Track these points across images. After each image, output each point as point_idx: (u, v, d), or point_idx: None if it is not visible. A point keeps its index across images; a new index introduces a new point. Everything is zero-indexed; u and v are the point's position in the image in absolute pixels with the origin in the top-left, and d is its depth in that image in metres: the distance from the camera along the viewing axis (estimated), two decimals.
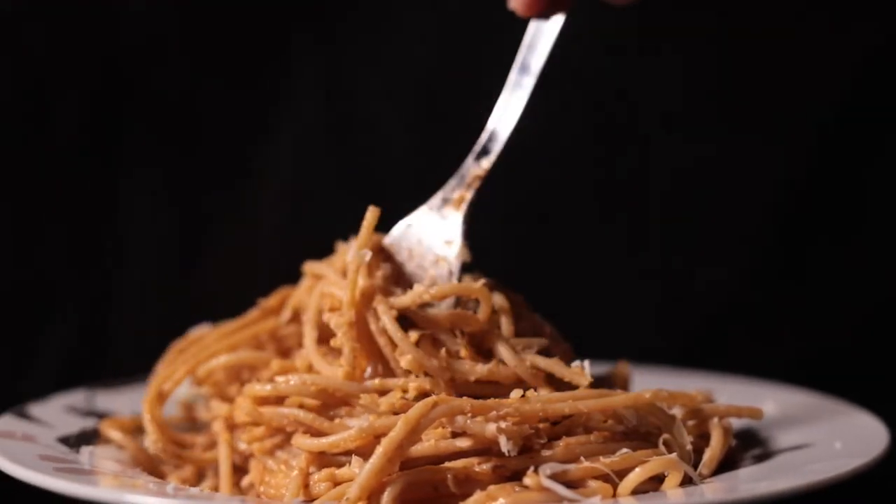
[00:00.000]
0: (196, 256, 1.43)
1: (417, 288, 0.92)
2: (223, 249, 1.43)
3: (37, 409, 1.06)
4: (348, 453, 0.88)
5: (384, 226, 0.98)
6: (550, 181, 1.45)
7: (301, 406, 0.92)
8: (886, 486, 1.05)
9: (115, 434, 1.03)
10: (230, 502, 0.86)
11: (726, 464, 0.92)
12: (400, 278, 0.97)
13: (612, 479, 0.85)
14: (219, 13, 1.40)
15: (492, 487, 0.84)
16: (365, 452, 0.86)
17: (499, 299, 0.94)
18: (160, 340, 1.11)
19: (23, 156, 1.37)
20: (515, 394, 0.87)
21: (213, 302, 1.19)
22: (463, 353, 0.91)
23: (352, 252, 0.92)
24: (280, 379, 0.93)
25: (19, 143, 1.37)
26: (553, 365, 0.91)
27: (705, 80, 1.44)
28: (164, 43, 1.39)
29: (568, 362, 0.94)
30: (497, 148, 0.97)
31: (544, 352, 0.94)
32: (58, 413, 1.06)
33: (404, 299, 0.92)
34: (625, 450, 0.87)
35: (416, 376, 0.90)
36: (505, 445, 0.84)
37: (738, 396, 1.03)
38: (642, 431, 0.89)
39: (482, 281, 0.94)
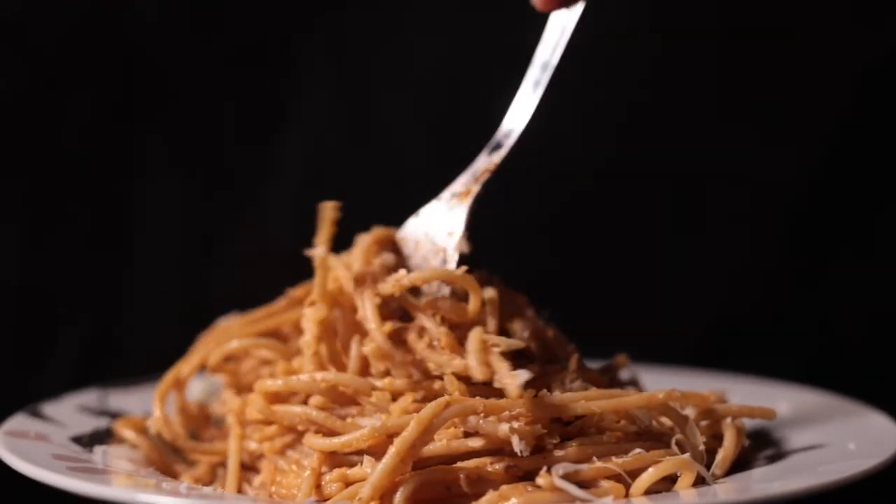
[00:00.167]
0: (209, 256, 1.43)
1: (400, 273, 0.92)
2: (236, 249, 1.43)
3: (50, 408, 1.06)
4: (360, 453, 0.88)
5: (399, 221, 1.00)
6: (560, 181, 1.45)
7: (309, 403, 0.92)
8: None
9: (128, 433, 1.03)
10: (243, 502, 0.86)
11: (739, 464, 0.92)
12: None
13: (625, 479, 0.85)
14: (231, 12, 1.40)
15: (504, 487, 0.84)
16: (377, 452, 0.86)
17: (490, 293, 0.94)
18: (172, 340, 1.11)
19: (35, 156, 1.37)
20: (528, 394, 0.87)
21: (226, 302, 1.19)
22: (443, 342, 0.90)
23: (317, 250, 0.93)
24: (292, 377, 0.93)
25: (31, 143, 1.37)
26: (497, 365, 0.87)
27: (717, 79, 1.44)
28: (176, 42, 1.39)
29: (579, 364, 0.94)
30: (508, 143, 0.97)
31: (526, 354, 0.93)
32: (71, 412, 1.06)
33: (386, 286, 0.92)
34: (637, 450, 0.86)
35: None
36: (517, 445, 0.84)
37: (750, 397, 1.03)
38: (655, 432, 0.89)
39: (462, 269, 0.93)
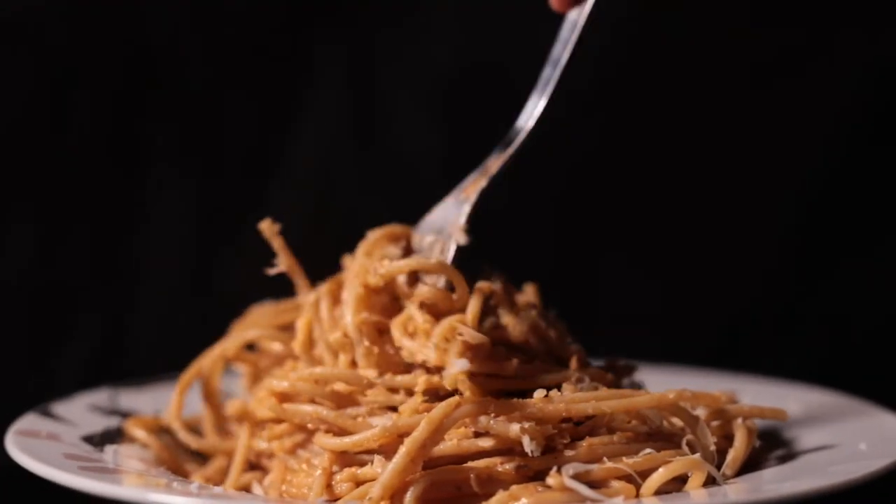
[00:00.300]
0: (219, 256, 1.43)
1: (378, 263, 0.94)
2: (246, 249, 1.43)
3: (61, 407, 1.06)
4: (371, 452, 0.88)
5: (409, 220, 1.01)
6: (571, 180, 1.44)
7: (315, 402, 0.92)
8: None
9: (138, 433, 1.03)
10: (254, 501, 0.86)
11: (750, 464, 0.92)
12: None
13: (636, 479, 0.85)
14: (242, 11, 1.40)
15: (514, 487, 0.84)
16: (387, 452, 0.86)
17: (482, 285, 0.93)
18: (182, 340, 1.11)
19: (45, 157, 1.38)
20: (538, 394, 0.87)
21: (236, 302, 1.19)
22: (420, 329, 0.91)
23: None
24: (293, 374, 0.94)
25: (41, 144, 1.37)
26: (451, 352, 0.89)
27: (727, 77, 1.44)
28: (186, 42, 1.39)
29: (581, 364, 0.94)
30: (518, 140, 0.97)
31: (522, 348, 0.93)
32: (81, 412, 1.06)
33: (368, 276, 0.93)
34: (648, 450, 0.86)
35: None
36: (528, 446, 0.84)
37: (761, 397, 1.03)
38: (666, 432, 0.89)
39: (438, 257, 0.94)
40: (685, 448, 0.88)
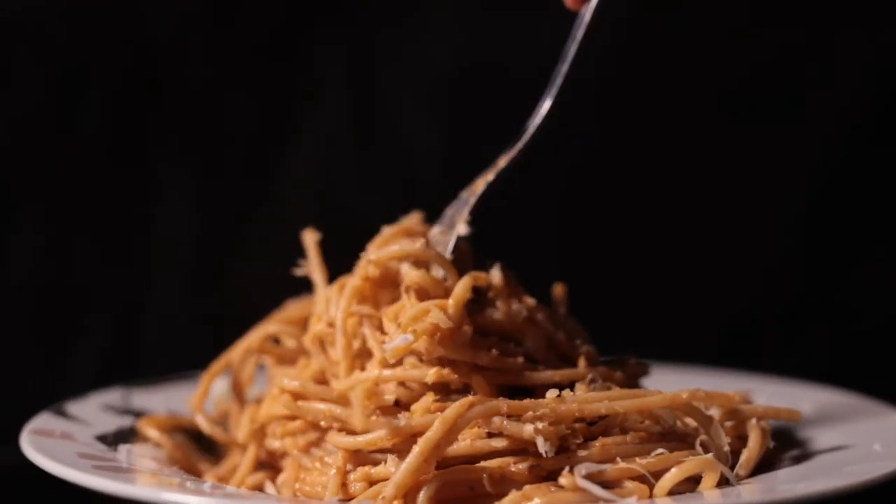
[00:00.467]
0: (228, 255, 1.43)
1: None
2: (254, 249, 1.44)
3: (74, 407, 1.06)
4: (384, 451, 0.88)
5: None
6: (578, 180, 1.44)
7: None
8: None
9: (152, 432, 1.03)
10: (268, 501, 0.86)
11: (764, 465, 0.91)
12: None
13: (649, 479, 0.85)
14: (244, 11, 1.40)
15: (527, 487, 0.84)
16: (401, 451, 0.86)
17: (476, 274, 0.93)
18: (194, 340, 1.12)
19: (52, 158, 1.38)
20: (551, 394, 0.87)
21: (245, 301, 1.20)
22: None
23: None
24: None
25: (50, 145, 1.38)
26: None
27: (738, 76, 1.44)
28: (190, 43, 1.40)
29: (591, 362, 0.93)
30: (525, 136, 0.97)
31: (515, 339, 0.93)
32: (95, 411, 1.07)
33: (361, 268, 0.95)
34: (661, 450, 0.86)
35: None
36: (542, 446, 0.83)
37: (775, 397, 1.02)
38: (679, 432, 0.89)
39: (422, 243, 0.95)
40: (699, 448, 0.87)
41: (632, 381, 0.96)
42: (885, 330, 1.43)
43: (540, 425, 0.84)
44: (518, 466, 0.85)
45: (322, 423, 0.92)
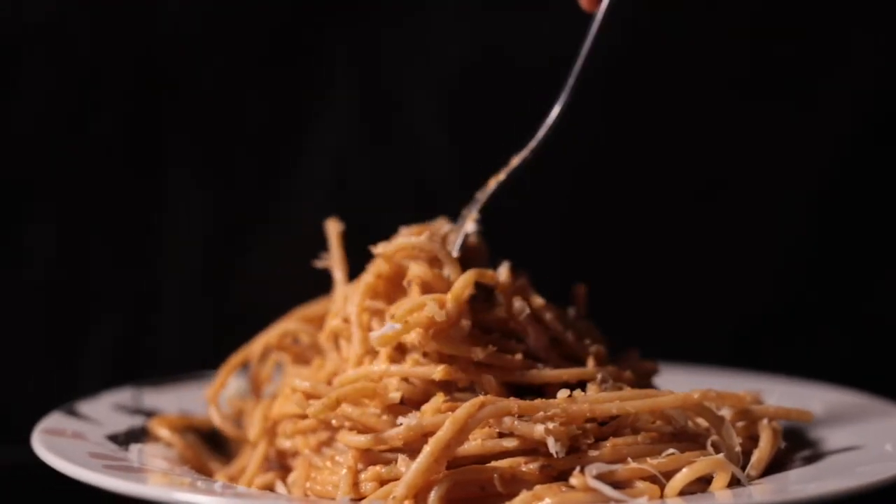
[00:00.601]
0: (240, 255, 1.43)
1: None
2: (266, 247, 1.44)
3: (86, 406, 1.07)
4: (395, 451, 0.88)
5: (423, 219, 1.01)
6: (593, 181, 1.44)
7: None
8: None
9: (163, 432, 1.04)
10: (279, 500, 0.86)
11: (775, 465, 0.91)
12: None
13: (660, 479, 0.85)
14: (257, 12, 1.40)
15: (538, 487, 0.84)
16: (412, 450, 0.86)
17: (479, 271, 0.93)
18: (205, 340, 1.12)
19: (67, 156, 1.38)
20: (562, 394, 0.87)
21: (257, 300, 1.20)
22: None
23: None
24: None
25: (63, 146, 1.38)
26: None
27: (748, 76, 1.44)
28: (203, 42, 1.40)
29: (600, 362, 0.93)
30: (538, 136, 0.97)
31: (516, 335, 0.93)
32: (106, 411, 1.07)
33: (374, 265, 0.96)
34: (672, 451, 0.86)
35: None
36: (553, 447, 0.83)
37: (786, 397, 1.02)
38: (691, 432, 0.89)
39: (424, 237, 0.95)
40: (710, 448, 0.87)
41: (643, 381, 0.96)
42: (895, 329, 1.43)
43: (551, 425, 0.84)
44: (529, 466, 0.85)
45: (333, 423, 0.92)
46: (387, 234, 0.99)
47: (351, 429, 0.91)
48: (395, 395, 0.90)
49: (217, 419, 1.05)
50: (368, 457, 0.89)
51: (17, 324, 1.38)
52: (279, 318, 1.06)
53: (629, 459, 0.85)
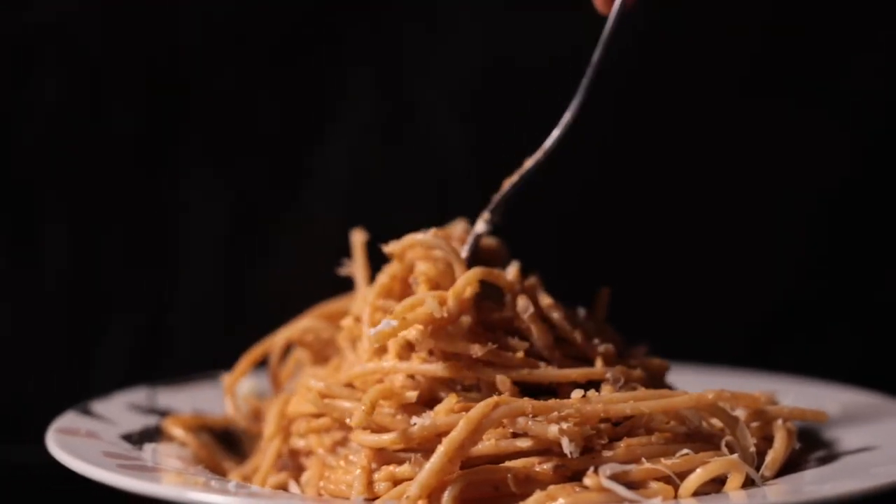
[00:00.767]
0: (254, 256, 1.44)
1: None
2: (281, 248, 1.44)
3: (100, 406, 1.07)
4: (409, 451, 0.88)
5: (442, 225, 1.01)
6: (605, 180, 1.44)
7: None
8: None
9: (177, 431, 1.04)
10: (292, 500, 0.86)
11: (790, 466, 0.91)
12: None
13: (674, 480, 0.84)
14: (273, 14, 1.41)
15: (552, 487, 0.84)
16: (426, 450, 0.86)
17: (483, 269, 0.93)
18: (220, 340, 1.12)
19: (83, 158, 1.39)
20: (576, 394, 0.86)
21: (272, 301, 1.20)
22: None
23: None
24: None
25: (79, 145, 1.38)
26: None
27: (762, 74, 1.43)
28: (219, 44, 1.40)
29: (608, 361, 0.93)
30: (552, 137, 0.96)
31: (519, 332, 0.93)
32: (120, 410, 1.07)
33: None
34: (686, 451, 0.86)
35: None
36: (567, 447, 0.83)
37: (800, 398, 1.02)
38: (705, 433, 0.88)
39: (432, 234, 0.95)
40: (724, 449, 0.87)
41: (655, 380, 0.96)
42: None
43: (565, 426, 0.84)
44: (543, 467, 0.85)
45: (348, 422, 0.92)
46: (403, 235, 0.99)
47: (365, 428, 0.91)
48: (412, 395, 0.90)
49: (231, 407, 1.05)
50: (382, 456, 0.89)
51: (31, 324, 1.38)
52: (294, 318, 1.06)
53: (643, 460, 0.85)
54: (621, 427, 0.87)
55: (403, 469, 0.87)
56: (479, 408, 0.83)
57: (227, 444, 1.07)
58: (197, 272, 1.42)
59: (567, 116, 0.96)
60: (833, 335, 1.44)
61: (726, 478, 0.85)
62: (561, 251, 1.42)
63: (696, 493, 0.84)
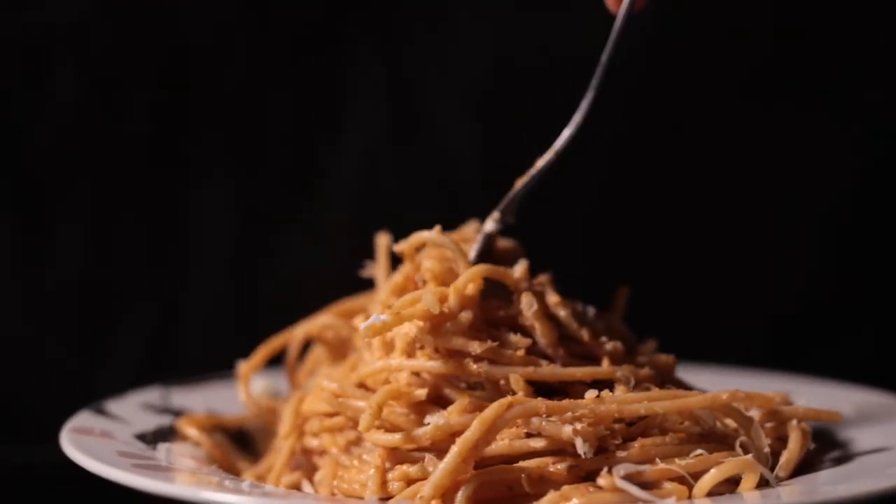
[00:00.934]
0: (266, 256, 1.44)
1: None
2: (293, 248, 1.44)
3: (114, 405, 1.07)
4: (422, 450, 0.88)
5: (453, 225, 1.01)
6: (619, 179, 1.44)
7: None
8: None
9: (191, 431, 1.04)
10: (306, 499, 0.86)
11: (804, 467, 0.91)
12: None
13: (688, 480, 0.84)
14: (285, 15, 1.41)
15: (566, 488, 0.84)
16: (440, 450, 0.86)
17: (487, 266, 0.93)
18: (233, 340, 1.12)
19: (95, 158, 1.39)
20: (590, 394, 0.86)
21: (283, 300, 1.20)
22: None
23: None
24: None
25: (91, 145, 1.39)
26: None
27: (773, 74, 1.43)
28: (229, 43, 1.40)
29: (615, 360, 0.93)
30: (564, 136, 0.96)
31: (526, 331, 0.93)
32: (134, 410, 1.07)
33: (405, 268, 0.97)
34: (700, 451, 0.86)
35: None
36: (581, 447, 0.83)
37: (815, 398, 1.01)
38: (719, 433, 0.88)
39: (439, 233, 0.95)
40: (738, 449, 0.87)
41: (663, 377, 0.96)
42: None
43: (579, 426, 0.84)
44: (557, 467, 0.85)
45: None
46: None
47: (379, 427, 0.91)
48: (420, 393, 0.90)
49: (243, 395, 1.05)
50: (396, 456, 0.89)
51: (45, 323, 1.39)
52: (307, 317, 1.06)
53: (657, 460, 0.85)
54: (635, 427, 0.87)
55: (417, 469, 0.87)
56: (493, 408, 0.83)
57: (240, 444, 1.07)
58: (208, 272, 1.42)
59: (577, 116, 0.95)
60: (847, 336, 1.44)
61: (740, 478, 0.85)
62: (575, 251, 1.42)
63: (711, 494, 0.84)
